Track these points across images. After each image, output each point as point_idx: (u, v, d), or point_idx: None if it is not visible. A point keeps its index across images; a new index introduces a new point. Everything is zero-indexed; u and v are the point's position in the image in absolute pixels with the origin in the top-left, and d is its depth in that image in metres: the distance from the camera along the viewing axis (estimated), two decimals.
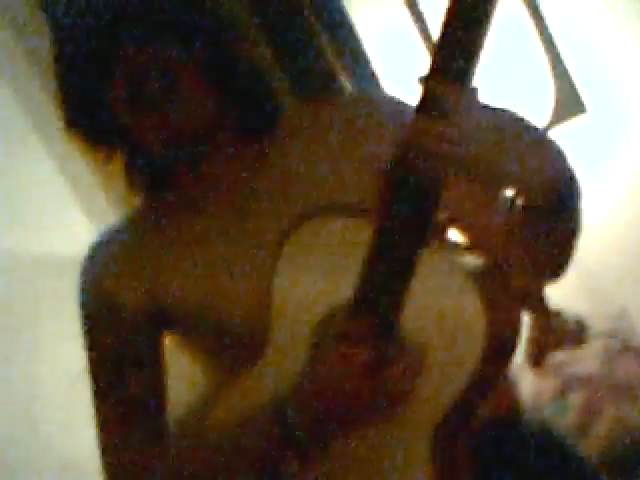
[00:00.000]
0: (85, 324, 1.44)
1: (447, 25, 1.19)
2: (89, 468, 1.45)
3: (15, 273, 2.09)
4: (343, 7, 2.60)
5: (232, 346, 1.40)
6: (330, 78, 2.48)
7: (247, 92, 1.41)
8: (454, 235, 1.36)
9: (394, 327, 1.27)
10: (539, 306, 1.51)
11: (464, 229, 1.36)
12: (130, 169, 1.45)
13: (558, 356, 2.82)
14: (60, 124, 2.26)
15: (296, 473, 1.33)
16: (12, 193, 2.19)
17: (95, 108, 1.37)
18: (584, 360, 2.84)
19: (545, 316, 2.65)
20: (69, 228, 2.29)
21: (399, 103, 1.44)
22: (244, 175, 1.43)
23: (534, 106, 2.60)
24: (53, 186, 2.31)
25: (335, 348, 1.28)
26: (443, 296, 1.28)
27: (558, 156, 1.32)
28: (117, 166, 2.07)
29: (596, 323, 2.80)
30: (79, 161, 2.37)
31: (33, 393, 1.68)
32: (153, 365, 1.44)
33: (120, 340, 1.41)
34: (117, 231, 1.50)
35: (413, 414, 1.30)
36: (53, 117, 2.34)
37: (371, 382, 1.28)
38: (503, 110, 1.31)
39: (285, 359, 1.34)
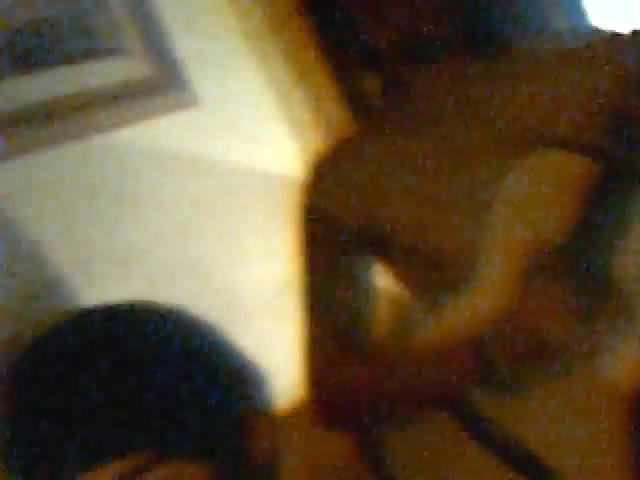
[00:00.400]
0: (304, 240, 1.48)
1: None
2: (283, 381, 1.50)
3: (223, 183, 2.14)
4: None
5: (439, 275, 1.40)
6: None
7: (485, 9, 1.39)
8: None
9: (607, 273, 1.25)
10: None
11: None
12: (360, 68, 1.50)
13: None
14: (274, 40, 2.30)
15: (485, 408, 1.34)
16: (226, 106, 2.24)
17: None
18: None
19: None
20: (278, 146, 2.34)
21: (619, 36, 1.39)
22: (469, 100, 1.41)
23: None
24: (265, 103, 2.35)
25: (544, 288, 1.27)
26: None
27: None
28: (328, 91, 2.11)
29: None
30: (292, 81, 2.41)
31: (232, 307, 1.72)
32: (364, 286, 1.47)
33: (337, 258, 1.45)
34: (340, 152, 1.51)
35: (614, 370, 1.27)
36: (267, 33, 2.39)
37: (576, 327, 1.26)
38: None
39: (490, 293, 1.33)
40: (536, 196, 1.31)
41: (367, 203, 1.43)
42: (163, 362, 1.06)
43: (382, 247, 1.45)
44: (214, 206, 2.08)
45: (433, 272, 1.40)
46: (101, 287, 1.57)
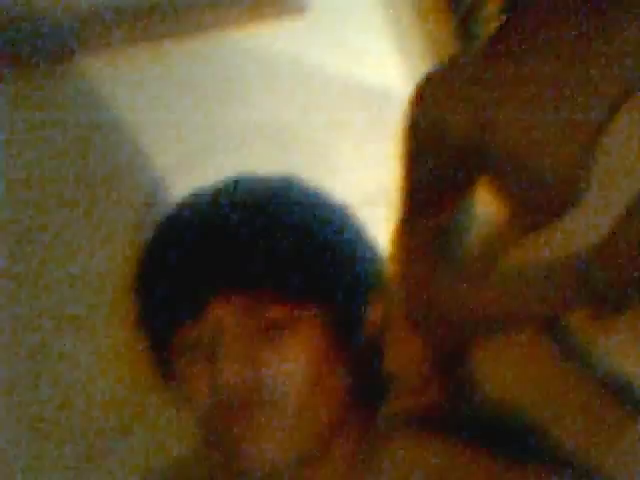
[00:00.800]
0: (409, 147, 1.50)
1: None
2: None
3: (322, 92, 2.15)
4: None
5: (541, 198, 1.40)
6: None
7: None
8: None
9: None
10: None
11: None
12: None
13: None
14: None
15: (583, 329, 1.35)
16: (334, 15, 2.24)
17: None
18: None
19: None
20: (382, 61, 2.33)
21: None
22: (593, 31, 1.41)
23: None
24: (374, 17, 2.34)
25: None
26: None
27: None
28: (440, 11, 2.10)
29: None
30: None
31: None
32: (465, 197, 1.48)
33: (441, 167, 1.46)
34: (455, 62, 1.54)
35: None
36: None
37: None
38: None
39: (593, 220, 1.34)
40: None
41: (477, 118, 1.44)
42: (303, 218, 1.11)
43: (487, 164, 1.46)
44: (310, 114, 2.10)
45: (537, 193, 1.41)
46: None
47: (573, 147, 1.37)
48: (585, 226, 1.35)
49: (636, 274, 1.28)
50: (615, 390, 1.34)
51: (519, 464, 1.09)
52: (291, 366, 1.05)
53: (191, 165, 1.70)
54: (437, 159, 1.47)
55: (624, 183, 1.32)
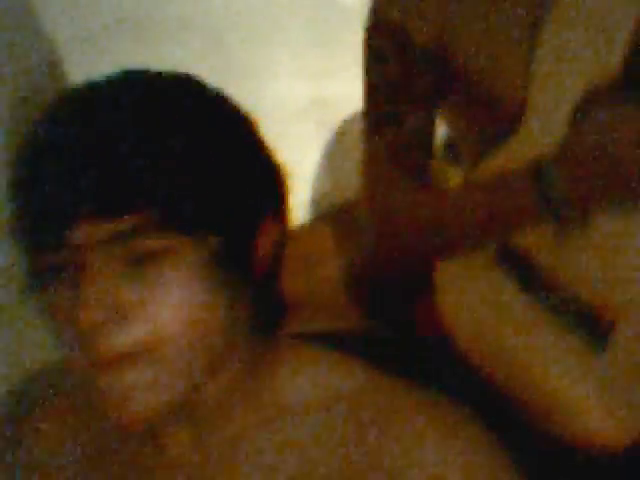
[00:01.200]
0: (370, 54, 1.45)
1: None
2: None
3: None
4: None
5: (494, 111, 1.39)
6: None
7: None
8: None
9: None
10: None
11: None
12: None
13: None
14: None
15: (541, 255, 1.32)
16: None
17: None
18: None
19: None
20: None
21: None
22: None
23: None
24: None
25: (609, 114, 1.25)
26: None
27: None
28: None
29: None
30: None
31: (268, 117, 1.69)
32: (429, 107, 1.44)
33: (404, 74, 1.42)
34: None
35: None
36: None
37: None
38: None
39: (546, 125, 1.31)
40: (581, 30, 1.30)
41: (443, 24, 1.41)
42: (189, 131, 0.94)
43: (447, 75, 1.43)
44: (245, 16, 1.99)
45: (491, 106, 1.39)
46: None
47: (513, 58, 1.35)
48: (537, 136, 1.32)
49: (593, 180, 1.26)
50: (574, 316, 1.32)
51: (437, 395, 1.00)
52: (165, 306, 0.90)
53: (96, 50, 1.58)
54: (399, 65, 1.42)
55: (567, 87, 1.30)
